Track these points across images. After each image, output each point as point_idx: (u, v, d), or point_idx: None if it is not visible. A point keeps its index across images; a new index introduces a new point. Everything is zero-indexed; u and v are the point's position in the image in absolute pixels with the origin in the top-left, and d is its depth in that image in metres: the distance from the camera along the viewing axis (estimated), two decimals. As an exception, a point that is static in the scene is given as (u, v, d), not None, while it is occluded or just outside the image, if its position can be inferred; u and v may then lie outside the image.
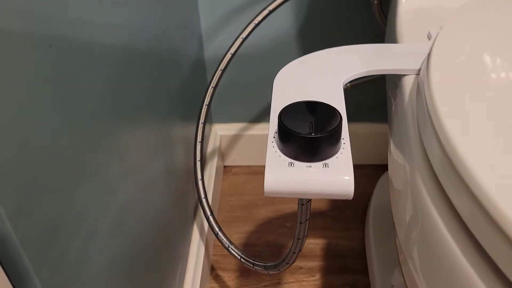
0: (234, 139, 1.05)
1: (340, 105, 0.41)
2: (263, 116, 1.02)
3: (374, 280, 0.82)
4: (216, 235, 0.68)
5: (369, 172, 1.02)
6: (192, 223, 0.83)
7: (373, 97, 0.96)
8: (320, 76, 0.46)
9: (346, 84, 0.49)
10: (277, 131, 0.38)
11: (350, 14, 0.86)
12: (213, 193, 0.94)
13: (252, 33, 0.68)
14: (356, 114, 0.97)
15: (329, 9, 0.86)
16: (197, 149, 0.77)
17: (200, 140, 0.78)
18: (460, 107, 0.37)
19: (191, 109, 0.82)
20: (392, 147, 0.46)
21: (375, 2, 0.75)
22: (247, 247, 0.91)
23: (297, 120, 0.37)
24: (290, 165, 0.36)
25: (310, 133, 0.35)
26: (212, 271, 0.86)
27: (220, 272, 0.86)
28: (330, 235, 0.92)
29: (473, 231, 0.32)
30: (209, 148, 1.00)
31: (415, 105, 0.43)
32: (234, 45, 0.69)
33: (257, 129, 1.03)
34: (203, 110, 0.75)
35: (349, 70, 0.47)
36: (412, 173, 0.41)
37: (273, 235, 0.92)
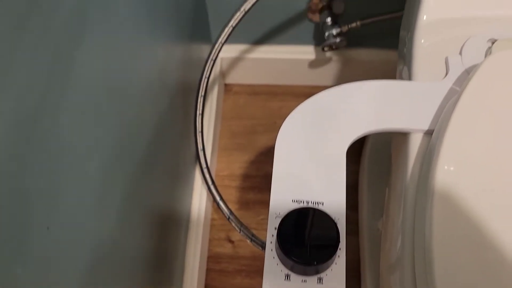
0: (236, 61, 1.01)
1: (339, 197, 0.41)
2: (266, 37, 0.96)
3: (362, 220, 0.88)
4: (218, 204, 0.72)
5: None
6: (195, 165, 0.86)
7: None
8: (322, 145, 0.45)
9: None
10: (275, 234, 0.40)
11: None
12: (215, 117, 0.95)
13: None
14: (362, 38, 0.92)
15: None
16: (199, 103, 0.76)
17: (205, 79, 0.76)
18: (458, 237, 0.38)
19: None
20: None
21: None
22: (247, 178, 0.96)
23: (294, 235, 0.38)
24: (286, 278, 0.39)
25: (307, 262, 0.37)
26: (213, 203, 0.93)
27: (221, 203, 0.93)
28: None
29: None
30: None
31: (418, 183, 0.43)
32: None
33: (260, 52, 0.98)
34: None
35: (352, 131, 0.45)
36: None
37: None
